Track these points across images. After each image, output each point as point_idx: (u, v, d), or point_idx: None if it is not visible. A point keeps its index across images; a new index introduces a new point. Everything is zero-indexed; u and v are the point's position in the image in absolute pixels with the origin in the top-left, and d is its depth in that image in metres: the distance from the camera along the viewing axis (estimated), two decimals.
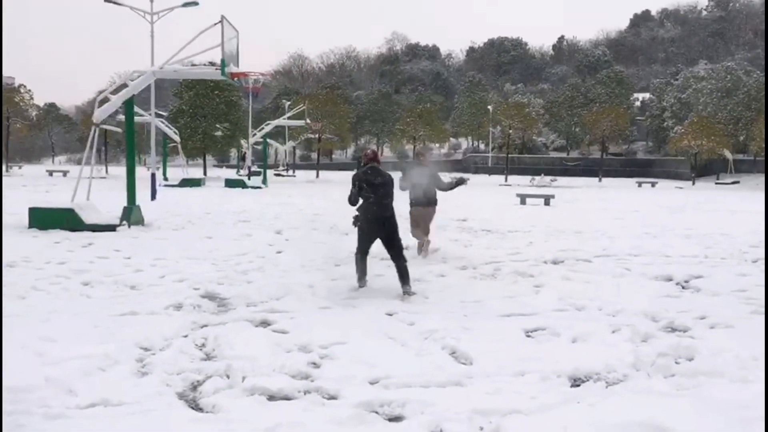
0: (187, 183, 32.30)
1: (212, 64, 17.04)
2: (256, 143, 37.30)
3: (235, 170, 40.23)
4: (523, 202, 23.75)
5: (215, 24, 13.10)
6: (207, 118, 41.61)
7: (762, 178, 51.47)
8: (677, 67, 74.63)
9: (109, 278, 8.24)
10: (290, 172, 53.81)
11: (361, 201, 8.04)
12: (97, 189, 24.10)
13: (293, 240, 12.65)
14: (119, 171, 38.13)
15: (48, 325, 5.91)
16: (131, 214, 13.81)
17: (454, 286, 8.33)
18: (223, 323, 6.21)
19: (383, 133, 77.75)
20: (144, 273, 8.75)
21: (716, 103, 55.61)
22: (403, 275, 7.87)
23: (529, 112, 57.61)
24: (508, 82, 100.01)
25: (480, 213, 19.17)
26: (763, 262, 10.47)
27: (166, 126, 32.92)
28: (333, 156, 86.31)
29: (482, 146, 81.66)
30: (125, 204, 14.35)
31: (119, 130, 28.78)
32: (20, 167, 59.31)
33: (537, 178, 45.23)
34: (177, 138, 32.26)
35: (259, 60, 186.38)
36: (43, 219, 13.05)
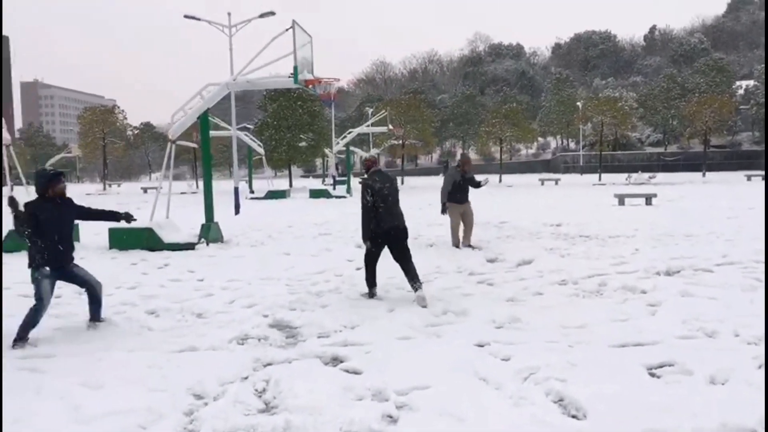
0: (272, 195, 32.30)
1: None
2: (339, 152, 36.99)
3: (320, 180, 40.00)
4: (621, 202, 22.09)
5: (287, 30, 12.54)
6: (291, 129, 41.75)
7: None
8: None
9: (176, 305, 7.68)
10: None
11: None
12: (184, 205, 24.39)
13: None
14: (218, 186, 39.05)
15: (98, 366, 5.32)
16: (209, 232, 13.42)
17: (553, 307, 7.27)
18: (289, 361, 5.45)
19: (468, 135, 76.34)
20: (213, 298, 8.17)
21: None
22: (413, 275, 7.78)
23: (622, 106, 54.75)
24: (597, 77, 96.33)
25: (575, 216, 17.83)
26: None
27: (251, 139, 33.14)
28: (418, 161, 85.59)
29: (572, 145, 78.79)
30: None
31: (194, 145, 29.04)
32: (119, 185, 61.86)
33: (633, 175, 42.71)
34: (261, 150, 32.39)
35: (341, 69, 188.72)
36: (122, 239, 12.84)
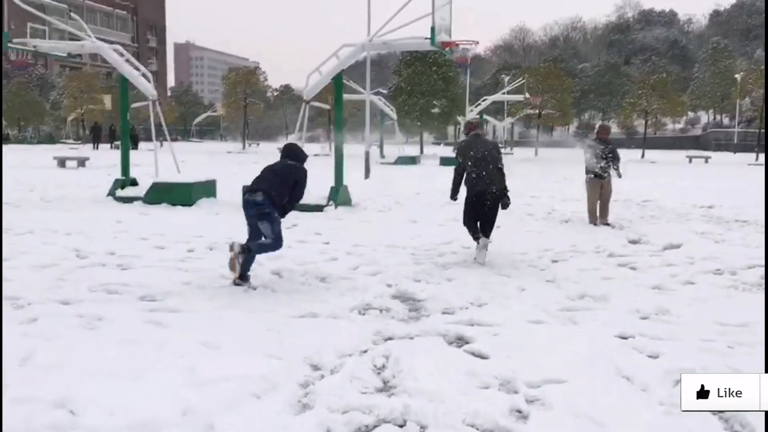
0: (402, 161, 32.19)
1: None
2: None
3: (451, 148, 39.30)
4: None
5: None
6: (424, 95, 41.31)
7: None
8: None
9: (300, 267, 7.60)
10: (507, 149, 51.99)
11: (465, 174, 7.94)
12: (316, 167, 24.68)
13: (505, 228, 11.29)
14: (350, 149, 39.21)
15: (219, 324, 5.27)
16: (338, 195, 13.39)
17: (707, 299, 6.46)
18: (411, 337, 5.13)
19: (610, 107, 72.51)
20: (338, 263, 8.02)
21: None
22: (486, 233, 7.94)
23: None
24: (760, 47, 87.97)
25: (729, 198, 16.25)
26: None
27: (384, 104, 33.06)
28: (554, 132, 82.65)
29: (725, 120, 72.94)
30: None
31: (328, 107, 29.23)
32: (257, 144, 64.45)
33: None
34: (394, 115, 32.21)
35: (478, 35, 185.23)
36: None
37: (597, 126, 13.67)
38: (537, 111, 44.14)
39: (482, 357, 4.68)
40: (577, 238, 10.14)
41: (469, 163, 7.83)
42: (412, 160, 32.72)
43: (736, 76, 54.07)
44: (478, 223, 8.00)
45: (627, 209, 14.13)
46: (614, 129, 75.76)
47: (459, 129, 58.47)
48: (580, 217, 12.72)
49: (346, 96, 35.13)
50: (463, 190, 8.17)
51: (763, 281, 7.26)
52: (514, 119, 50.39)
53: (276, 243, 6.63)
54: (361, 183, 20.58)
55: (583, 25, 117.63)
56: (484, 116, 59.80)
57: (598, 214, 11.77)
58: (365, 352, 4.76)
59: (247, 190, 6.64)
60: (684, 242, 9.78)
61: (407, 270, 7.58)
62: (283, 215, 6.75)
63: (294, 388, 4.06)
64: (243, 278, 6.55)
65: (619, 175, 11.80)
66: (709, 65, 70.39)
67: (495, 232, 8.30)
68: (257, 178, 6.73)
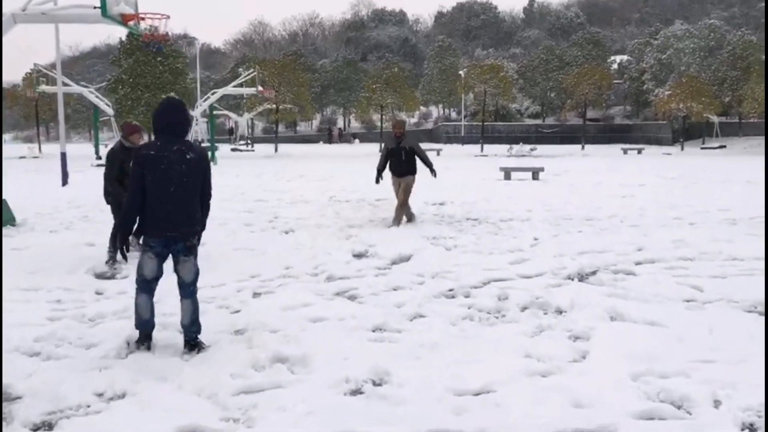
0: None
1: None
2: (203, 115, 33.13)
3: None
4: (507, 176, 20.35)
5: None
6: (150, 88, 37.24)
7: (749, 142, 48.88)
8: (656, 26, 71.32)
9: None
10: (249, 147, 49.70)
11: None
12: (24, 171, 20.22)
13: (206, 251, 9.04)
14: (74, 149, 33.48)
15: None
16: None
17: (438, 345, 4.87)
18: None
19: (349, 102, 73.57)
20: None
21: (699, 63, 52.41)
22: None
23: (504, 75, 53.89)
24: (479, 47, 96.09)
25: (461, 193, 15.75)
26: None
27: (97, 97, 28.76)
28: (298, 128, 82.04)
29: (454, 114, 78.14)
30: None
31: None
32: None
33: (515, 147, 41.85)
34: (110, 111, 28.11)
35: (220, 29, 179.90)
36: None
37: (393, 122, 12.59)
38: (274, 105, 42.41)
39: None
40: (294, 257, 8.26)
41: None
42: None
43: (460, 72, 57.52)
44: None
45: (358, 212, 12.75)
46: (354, 124, 77.39)
47: (229, 125, 54.72)
48: (305, 224, 10.99)
49: (48, 88, 30.13)
50: None
51: (502, 305, 5.96)
52: (252, 114, 48.15)
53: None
54: (55, 191, 16.98)
55: (321, 22, 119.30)
56: (226, 112, 56.92)
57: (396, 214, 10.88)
58: None
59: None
60: (414, 252, 8.41)
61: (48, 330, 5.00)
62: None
63: None
64: None
65: (434, 175, 10.99)
66: (436, 62, 74.54)
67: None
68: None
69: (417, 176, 10.87)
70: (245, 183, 19.54)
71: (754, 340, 4.89)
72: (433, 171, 10.99)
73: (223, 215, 12.12)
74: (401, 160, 10.69)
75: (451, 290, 6.54)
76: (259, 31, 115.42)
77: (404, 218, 10.91)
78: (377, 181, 10.91)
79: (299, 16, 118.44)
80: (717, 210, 12.46)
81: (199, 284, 4.81)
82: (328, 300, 6.25)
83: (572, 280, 6.97)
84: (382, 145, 11.21)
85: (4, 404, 3.83)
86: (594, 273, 7.28)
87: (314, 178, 21.60)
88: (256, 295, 6.48)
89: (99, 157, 30.05)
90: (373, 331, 5.29)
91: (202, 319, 4.92)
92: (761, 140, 48.76)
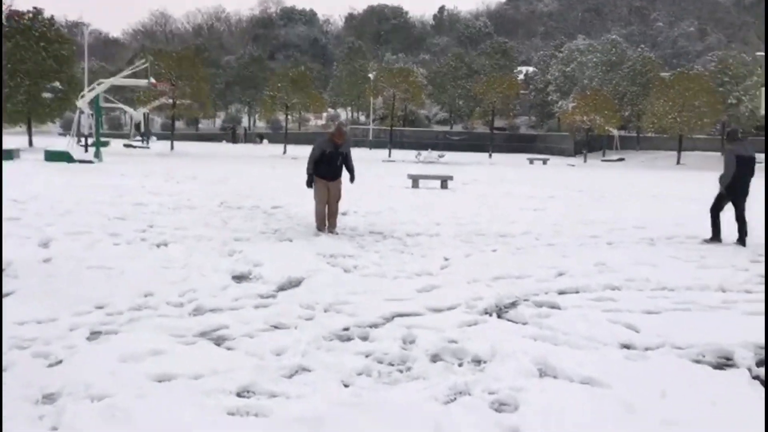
0: None
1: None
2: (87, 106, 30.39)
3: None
4: (416, 184, 19.40)
5: None
6: (31, 75, 33.98)
7: (646, 155, 50.57)
8: (561, 39, 73.18)
9: None
10: (144, 143, 46.70)
11: None
12: None
13: (63, 256, 7.40)
14: None
15: None
16: None
17: (323, 420, 3.62)
18: None
19: (255, 101, 71.22)
20: None
21: (601, 77, 53.90)
22: None
23: (414, 80, 53.41)
24: (389, 51, 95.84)
25: (365, 202, 14.56)
26: None
27: None
28: (200, 125, 78.81)
29: (362, 118, 77.24)
30: None
31: None
32: None
33: (423, 153, 41.28)
34: None
35: (119, 19, 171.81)
36: None
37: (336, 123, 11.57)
38: (171, 100, 39.84)
39: None
40: (158, 279, 6.79)
41: None
42: (9, 155, 26.08)
43: (370, 75, 56.67)
44: None
45: (250, 221, 11.32)
46: (260, 124, 75.00)
47: (135, 119, 51.25)
48: (184, 235, 9.47)
49: None
50: None
51: (407, 352, 4.77)
52: (147, 108, 45.29)
53: None
54: None
55: (228, 17, 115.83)
56: (122, 106, 53.47)
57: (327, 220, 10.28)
58: None
59: None
60: (306, 275, 7.13)
61: None
62: None
63: None
64: None
65: (351, 180, 10.44)
66: (345, 64, 73.52)
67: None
68: None
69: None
70: (128, 184, 17.60)
71: (716, 408, 3.93)
72: (353, 177, 10.47)
73: (89, 221, 10.44)
74: (336, 165, 10.17)
75: (346, 329, 5.31)
76: (161, 22, 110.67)
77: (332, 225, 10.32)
78: (309, 185, 10.18)
79: (204, 9, 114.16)
80: (632, 228, 11.85)
81: (24, 318, 3.37)
82: (186, 345, 4.86)
83: (489, 315, 5.90)
84: (312, 147, 10.30)
85: None
86: (514, 305, 6.25)
87: (207, 180, 19.86)
88: (92, 336, 5.00)
89: None
90: (238, 395, 3.98)
91: (6, 376, 3.47)
92: (657, 154, 50.67)
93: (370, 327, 5.38)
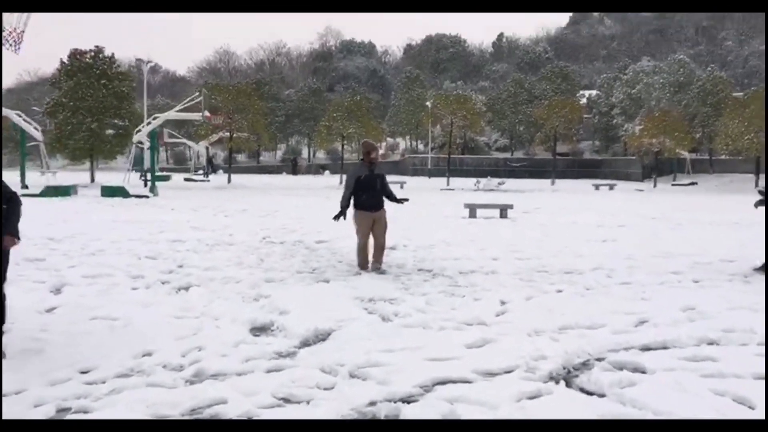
0: (51, 192, 25.59)
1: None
2: (140, 142, 30.55)
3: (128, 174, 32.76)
4: (473, 214, 18.19)
5: None
6: (92, 113, 34.52)
7: (720, 179, 47.81)
8: (625, 61, 70.93)
9: None
10: (205, 176, 46.93)
11: None
12: None
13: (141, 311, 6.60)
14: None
15: None
16: None
17: None
18: None
19: (314, 132, 71.55)
20: None
21: (669, 98, 51.55)
22: None
23: (472, 106, 52.28)
24: (447, 79, 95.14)
25: (418, 234, 13.52)
26: None
27: (25, 120, 26.11)
28: (261, 158, 79.59)
29: (421, 146, 76.48)
30: None
31: None
32: None
33: (483, 180, 39.96)
34: (38, 135, 25.44)
35: (183, 56, 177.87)
36: None
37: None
38: (228, 134, 39.88)
39: None
40: (165, 333, 5.88)
41: None
42: (67, 191, 26.25)
43: (427, 103, 55.92)
44: None
45: (289, 259, 10.39)
46: (320, 155, 75.07)
47: (197, 152, 52.44)
48: (211, 276, 8.59)
49: None
50: None
51: None
52: (208, 142, 45.61)
53: None
54: None
55: (288, 51, 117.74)
56: (185, 141, 54.19)
57: (371, 256, 9.11)
58: None
59: None
60: (337, 326, 6.10)
61: None
62: None
63: None
64: None
65: (397, 201, 9.39)
66: (403, 93, 73.12)
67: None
68: None
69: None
70: (173, 219, 17.04)
71: None
72: (398, 200, 9.38)
73: (116, 262, 9.70)
74: (376, 191, 8.91)
75: (372, 404, 4.23)
76: (225, 59, 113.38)
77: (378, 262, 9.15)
78: (338, 218, 8.97)
79: (266, 45, 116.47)
80: (719, 261, 10.38)
81: None
82: None
83: (556, 382, 4.71)
84: (344, 176, 9.23)
85: None
86: (586, 366, 5.04)
87: (257, 213, 19.17)
88: (58, 414, 4.07)
89: (26, 186, 27.32)
90: None
91: None
92: (732, 177, 47.83)
93: (403, 402, 4.27)
